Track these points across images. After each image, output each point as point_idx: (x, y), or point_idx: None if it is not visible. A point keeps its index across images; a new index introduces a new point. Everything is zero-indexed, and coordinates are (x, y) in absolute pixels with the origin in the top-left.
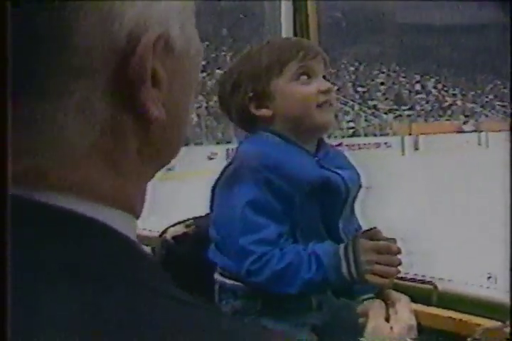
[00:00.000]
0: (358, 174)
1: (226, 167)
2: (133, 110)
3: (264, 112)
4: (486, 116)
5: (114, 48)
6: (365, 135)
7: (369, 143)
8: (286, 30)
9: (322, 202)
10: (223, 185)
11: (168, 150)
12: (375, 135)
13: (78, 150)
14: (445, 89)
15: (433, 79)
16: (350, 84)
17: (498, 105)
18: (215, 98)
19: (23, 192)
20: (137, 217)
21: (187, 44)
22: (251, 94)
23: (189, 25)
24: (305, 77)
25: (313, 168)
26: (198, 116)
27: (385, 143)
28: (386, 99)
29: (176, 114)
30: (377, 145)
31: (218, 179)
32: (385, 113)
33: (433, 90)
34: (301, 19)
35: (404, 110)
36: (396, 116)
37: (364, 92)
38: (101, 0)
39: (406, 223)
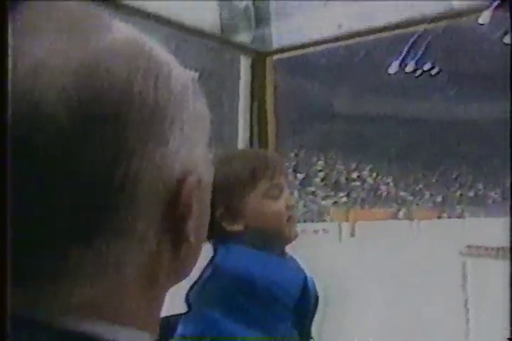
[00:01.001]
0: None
1: (208, 275)
2: (177, 238)
3: (236, 227)
4: (418, 204)
5: (165, 191)
6: (304, 221)
7: (308, 230)
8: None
9: (301, 309)
10: (204, 299)
11: (190, 267)
12: (313, 221)
13: (130, 280)
14: (379, 177)
15: (368, 168)
16: (290, 170)
17: (428, 194)
18: None
19: (76, 324)
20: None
21: (209, 177)
22: (223, 210)
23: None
24: (275, 194)
25: (295, 273)
26: None
27: (323, 230)
28: (324, 185)
29: (200, 233)
30: (316, 231)
31: (197, 282)
32: (323, 199)
33: (368, 178)
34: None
35: (341, 197)
36: (333, 203)
37: (303, 178)
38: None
39: None
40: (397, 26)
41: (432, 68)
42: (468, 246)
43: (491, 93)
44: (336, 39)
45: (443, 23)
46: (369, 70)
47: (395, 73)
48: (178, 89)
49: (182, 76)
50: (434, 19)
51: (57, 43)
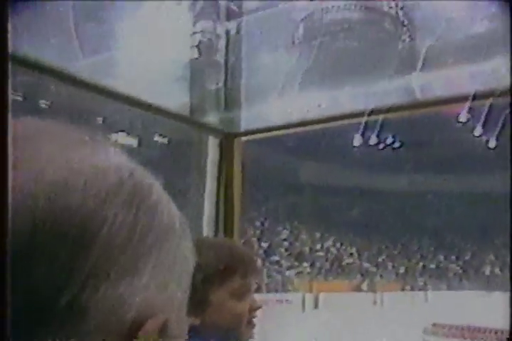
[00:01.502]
0: None
1: None
2: None
3: (194, 321)
4: (381, 276)
5: (118, 330)
6: (268, 291)
7: (271, 300)
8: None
9: None
10: None
11: None
12: (277, 291)
13: None
14: (343, 248)
15: (332, 238)
16: (255, 239)
17: (390, 266)
18: None
19: None
20: None
21: (179, 321)
22: None
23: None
24: (242, 294)
25: None
26: None
27: (287, 300)
28: (289, 254)
29: None
30: (279, 301)
31: None
32: (287, 269)
33: (332, 248)
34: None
35: (305, 267)
36: (297, 273)
37: (268, 247)
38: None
39: None
40: (360, 114)
41: (393, 142)
42: (433, 325)
43: (451, 167)
44: (303, 123)
45: (406, 113)
46: (335, 143)
47: (358, 146)
48: (161, 227)
49: (170, 214)
50: (397, 109)
51: (48, 158)
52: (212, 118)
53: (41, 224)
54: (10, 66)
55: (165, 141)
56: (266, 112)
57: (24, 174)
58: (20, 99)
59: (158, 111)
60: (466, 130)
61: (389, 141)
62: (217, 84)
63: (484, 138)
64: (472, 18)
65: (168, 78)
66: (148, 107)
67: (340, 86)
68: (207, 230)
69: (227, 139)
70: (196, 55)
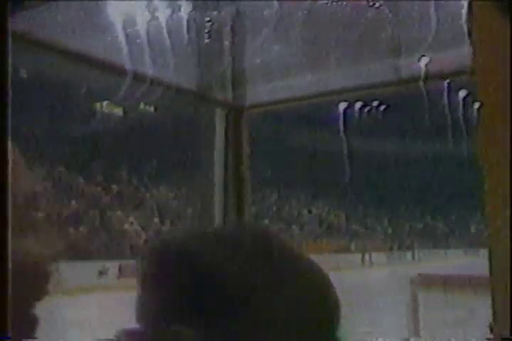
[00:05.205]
0: None
1: None
2: None
3: None
4: (369, 236)
5: None
6: None
7: None
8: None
9: None
10: None
11: None
12: None
13: None
14: (331, 210)
15: (320, 201)
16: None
17: (378, 227)
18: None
19: None
20: None
21: None
22: None
23: None
24: None
25: None
26: None
27: None
28: (278, 218)
29: None
30: None
31: None
32: (278, 232)
33: (319, 211)
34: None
35: (294, 230)
36: (287, 236)
37: (257, 212)
38: None
39: None
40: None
41: (380, 105)
42: (419, 275)
43: (437, 130)
44: (303, 98)
45: (391, 90)
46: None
47: (347, 112)
48: None
49: None
50: (385, 85)
51: None
52: (219, 94)
53: None
54: None
55: (151, 109)
56: (269, 90)
57: None
58: None
59: (168, 86)
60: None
61: (375, 104)
62: (223, 65)
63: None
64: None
65: (177, 59)
66: (158, 83)
67: (334, 66)
68: (218, 197)
69: (235, 112)
70: (202, 37)
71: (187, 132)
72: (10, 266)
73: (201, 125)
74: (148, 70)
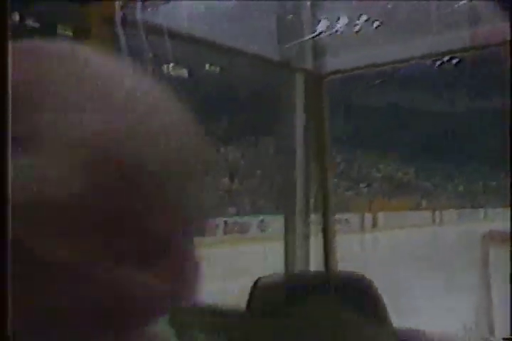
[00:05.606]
0: None
1: None
2: None
3: None
4: (440, 194)
5: None
6: None
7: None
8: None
9: None
10: None
11: None
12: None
13: None
14: (400, 168)
15: (389, 159)
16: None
17: (449, 185)
18: None
19: None
20: None
21: None
22: None
23: None
24: None
25: None
26: None
27: (346, 220)
28: (347, 176)
29: None
30: (338, 221)
31: None
32: (346, 190)
33: (389, 168)
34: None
35: (362, 188)
36: (356, 194)
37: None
38: None
39: None
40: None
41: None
42: (491, 231)
43: None
44: (376, 65)
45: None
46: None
47: (424, 74)
48: None
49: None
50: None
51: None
52: (299, 63)
53: None
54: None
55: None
56: (347, 60)
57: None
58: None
59: (250, 56)
60: None
61: (447, 63)
62: (303, 38)
63: None
64: None
65: (257, 32)
66: (242, 53)
67: (405, 38)
68: (299, 160)
69: (315, 80)
70: (283, 13)
71: (268, 97)
72: (9, 266)
73: (282, 91)
74: (239, 42)
